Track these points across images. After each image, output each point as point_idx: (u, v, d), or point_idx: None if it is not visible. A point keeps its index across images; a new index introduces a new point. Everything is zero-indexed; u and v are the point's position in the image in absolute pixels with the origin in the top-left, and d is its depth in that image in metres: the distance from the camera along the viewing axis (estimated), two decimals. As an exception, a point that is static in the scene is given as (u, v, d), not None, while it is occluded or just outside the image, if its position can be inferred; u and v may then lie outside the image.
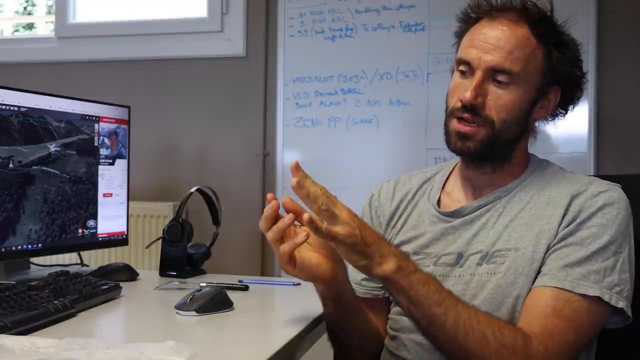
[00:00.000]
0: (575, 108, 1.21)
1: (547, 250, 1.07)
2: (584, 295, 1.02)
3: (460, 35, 1.18)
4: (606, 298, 1.02)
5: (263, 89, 2.57)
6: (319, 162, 2.44)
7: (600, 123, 2.26)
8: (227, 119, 2.62)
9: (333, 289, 1.08)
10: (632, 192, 1.12)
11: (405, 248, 1.20)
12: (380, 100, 2.43)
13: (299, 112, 2.50)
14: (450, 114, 1.15)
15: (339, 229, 0.96)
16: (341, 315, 1.13)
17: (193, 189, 1.73)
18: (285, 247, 0.98)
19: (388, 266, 0.98)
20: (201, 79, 2.64)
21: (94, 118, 1.64)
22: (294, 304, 1.40)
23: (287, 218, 0.99)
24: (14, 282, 1.24)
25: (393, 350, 1.19)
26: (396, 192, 1.29)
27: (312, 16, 2.49)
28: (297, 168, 0.95)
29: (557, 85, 1.15)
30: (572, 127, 2.21)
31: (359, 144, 2.43)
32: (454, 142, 1.13)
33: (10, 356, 0.81)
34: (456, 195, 1.21)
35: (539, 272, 1.06)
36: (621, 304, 1.02)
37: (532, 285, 1.06)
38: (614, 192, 1.08)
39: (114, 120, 1.70)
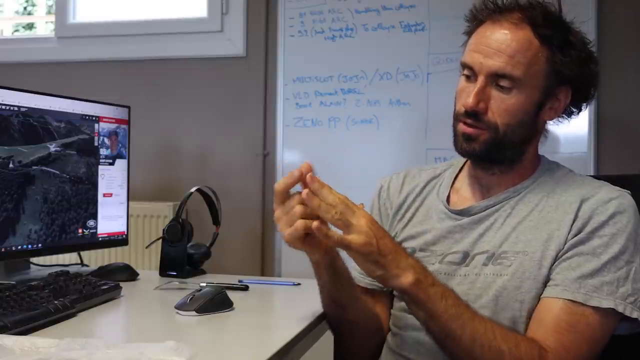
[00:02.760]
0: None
1: (556, 257, 1.06)
2: (597, 308, 1.01)
3: (468, 34, 1.18)
4: (620, 309, 1.01)
5: (263, 89, 2.57)
6: (319, 162, 2.39)
7: (600, 123, 2.26)
8: (227, 119, 2.62)
9: (328, 257, 1.07)
10: (632, 192, 1.11)
11: (410, 243, 1.20)
12: (380, 100, 2.42)
13: (299, 112, 2.50)
14: (455, 117, 1.16)
15: (354, 238, 0.97)
16: (335, 285, 1.12)
17: (193, 189, 1.73)
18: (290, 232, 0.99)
19: (406, 279, 0.99)
20: (201, 79, 2.64)
21: (94, 118, 1.63)
22: (294, 304, 1.40)
23: (304, 193, 0.98)
24: (14, 282, 1.24)
25: (394, 348, 1.20)
26: (405, 184, 1.29)
27: (312, 16, 2.49)
28: (312, 180, 0.97)
29: (567, 86, 1.13)
30: (572, 127, 2.19)
31: (359, 144, 2.43)
32: (460, 143, 1.14)
33: (10, 356, 0.81)
34: (465, 194, 1.21)
35: (545, 278, 1.06)
36: (635, 314, 1.02)
37: (538, 291, 1.05)
38: (624, 200, 1.07)
39: (114, 120, 1.70)
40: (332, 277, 1.10)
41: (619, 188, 1.10)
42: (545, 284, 1.06)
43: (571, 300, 1.02)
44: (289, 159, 2.51)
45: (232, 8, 2.60)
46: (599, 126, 2.25)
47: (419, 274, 1.00)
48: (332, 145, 2.45)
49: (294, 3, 2.50)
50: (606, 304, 1.01)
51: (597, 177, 1.21)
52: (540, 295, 1.06)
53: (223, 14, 2.61)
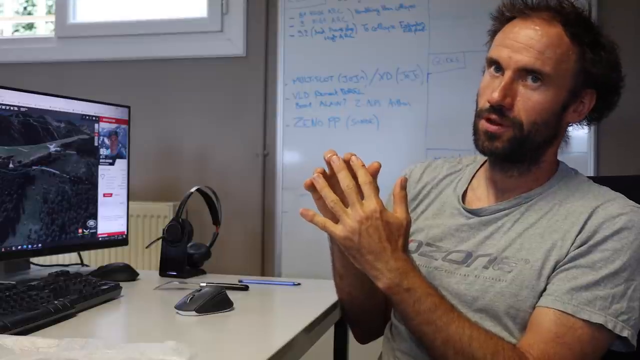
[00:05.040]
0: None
1: (555, 266, 1.05)
2: (587, 322, 1.00)
3: (493, 34, 1.16)
4: (610, 326, 0.99)
5: (263, 89, 2.58)
6: (319, 162, 2.43)
7: (600, 123, 2.25)
8: (227, 119, 2.62)
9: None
10: (632, 192, 1.11)
11: (418, 236, 1.22)
12: (380, 100, 2.43)
13: (299, 112, 2.50)
14: (478, 114, 1.13)
15: (336, 229, 1.02)
16: (343, 266, 1.17)
17: (193, 189, 1.73)
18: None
19: (379, 282, 1.03)
20: (201, 79, 2.64)
21: (94, 118, 1.63)
22: (294, 304, 1.40)
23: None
24: (14, 282, 1.24)
25: (391, 340, 1.21)
26: (424, 175, 1.30)
27: (312, 16, 2.49)
28: (333, 160, 1.06)
29: (593, 89, 1.11)
30: (572, 127, 2.20)
31: (359, 144, 2.43)
32: (482, 142, 1.11)
33: (10, 356, 0.81)
34: (479, 193, 1.21)
35: (543, 288, 1.05)
36: (626, 333, 1.00)
37: (534, 300, 1.05)
38: (635, 216, 1.04)
39: (114, 120, 1.70)
40: (341, 260, 1.16)
41: (633, 203, 1.08)
42: (542, 294, 1.05)
43: (562, 311, 1.01)
44: (289, 159, 2.51)
45: (232, 8, 2.60)
46: (599, 126, 2.25)
47: (395, 279, 1.02)
48: (332, 145, 2.39)
49: (294, 3, 2.50)
50: (596, 318, 0.99)
51: (597, 178, 1.21)
52: (536, 304, 1.05)
53: (223, 14, 2.61)
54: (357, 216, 1.01)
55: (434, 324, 1.01)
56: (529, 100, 1.07)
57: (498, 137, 1.09)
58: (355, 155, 1.06)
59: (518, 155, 1.11)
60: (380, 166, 1.07)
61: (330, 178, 1.07)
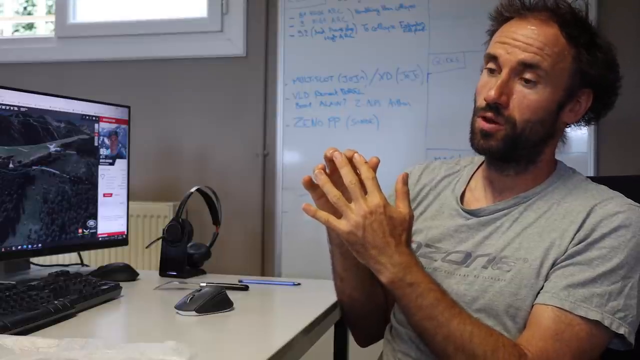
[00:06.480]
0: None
1: (554, 264, 1.05)
2: (584, 319, 1.00)
3: (491, 34, 1.17)
4: (606, 323, 1.00)
5: (263, 89, 2.58)
6: (319, 162, 2.43)
7: (600, 123, 2.23)
8: (227, 119, 2.62)
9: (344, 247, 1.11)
10: (632, 192, 1.11)
11: (417, 237, 1.21)
12: (380, 100, 2.43)
13: (299, 112, 2.50)
14: (475, 112, 1.14)
15: (340, 224, 1.02)
16: (347, 258, 1.16)
17: (193, 189, 1.73)
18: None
19: (382, 276, 1.03)
20: (201, 79, 2.64)
21: (94, 118, 1.63)
22: (294, 304, 1.40)
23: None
24: (14, 282, 1.24)
25: (392, 341, 1.21)
26: (422, 177, 1.31)
27: (312, 16, 2.49)
28: (336, 156, 1.05)
29: (589, 89, 1.12)
30: (572, 127, 2.20)
31: (359, 144, 2.40)
32: (477, 140, 1.12)
33: (10, 356, 0.81)
34: (477, 194, 1.21)
35: (542, 286, 1.05)
36: (622, 330, 1.00)
37: (534, 298, 1.05)
38: (632, 214, 1.05)
39: (114, 120, 1.70)
40: (345, 252, 1.15)
41: (631, 201, 1.08)
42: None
43: (559, 308, 1.01)
44: (289, 159, 2.51)
45: (232, 8, 2.60)
46: (599, 126, 2.25)
47: (398, 273, 1.02)
48: (331, 145, 2.45)
49: (294, 3, 2.50)
50: (593, 315, 1.00)
51: (597, 178, 1.21)
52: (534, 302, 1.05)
53: (223, 14, 2.61)
54: (361, 211, 1.01)
55: (435, 319, 1.01)
56: (525, 99, 1.09)
57: (492, 136, 1.10)
58: (357, 152, 1.06)
59: (513, 154, 1.12)
60: (379, 161, 1.07)
61: (331, 175, 1.07)
